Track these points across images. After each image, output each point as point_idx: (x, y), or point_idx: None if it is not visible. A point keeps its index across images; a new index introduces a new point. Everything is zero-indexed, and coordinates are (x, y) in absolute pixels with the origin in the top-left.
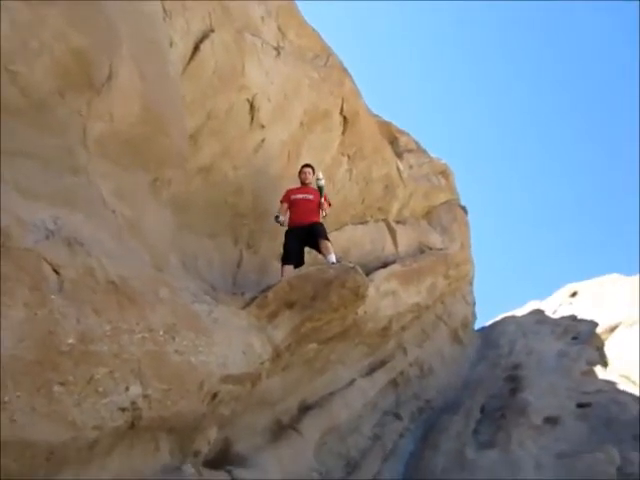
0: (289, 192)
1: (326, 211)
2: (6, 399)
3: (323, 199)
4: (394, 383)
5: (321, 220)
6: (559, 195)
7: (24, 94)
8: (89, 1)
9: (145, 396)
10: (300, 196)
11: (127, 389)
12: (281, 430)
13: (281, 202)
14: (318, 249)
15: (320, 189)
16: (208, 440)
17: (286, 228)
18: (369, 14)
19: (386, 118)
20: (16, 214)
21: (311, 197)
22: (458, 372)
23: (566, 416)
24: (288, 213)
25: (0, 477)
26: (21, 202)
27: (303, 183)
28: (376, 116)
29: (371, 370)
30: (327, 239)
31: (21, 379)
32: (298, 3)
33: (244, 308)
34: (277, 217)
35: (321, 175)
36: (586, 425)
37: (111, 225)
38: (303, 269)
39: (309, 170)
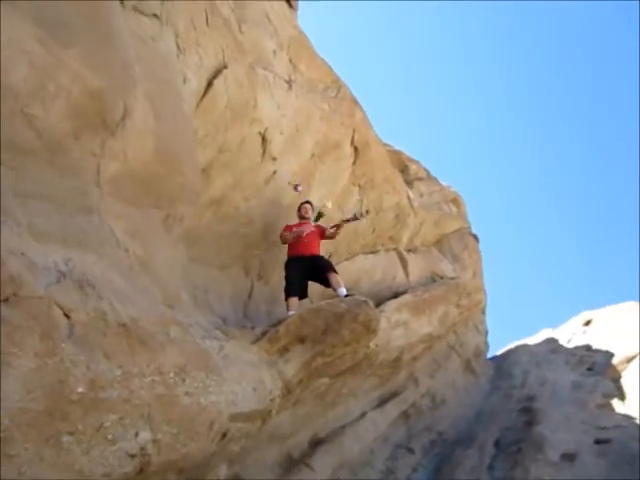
0: (288, 227)
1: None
2: (13, 452)
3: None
4: (405, 415)
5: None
6: (573, 222)
7: (39, 136)
8: (105, 43)
9: (155, 441)
10: (301, 229)
11: (136, 435)
12: (292, 465)
13: (281, 236)
14: (326, 283)
15: (319, 215)
16: (218, 478)
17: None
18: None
19: (396, 146)
20: (28, 258)
21: (314, 229)
22: (471, 403)
23: (584, 452)
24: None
25: None
26: (33, 244)
27: (302, 218)
28: (386, 145)
29: (382, 402)
30: (335, 272)
31: (29, 431)
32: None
33: (255, 343)
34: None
35: (330, 204)
36: (605, 462)
37: (123, 264)
38: (309, 303)
39: (309, 206)
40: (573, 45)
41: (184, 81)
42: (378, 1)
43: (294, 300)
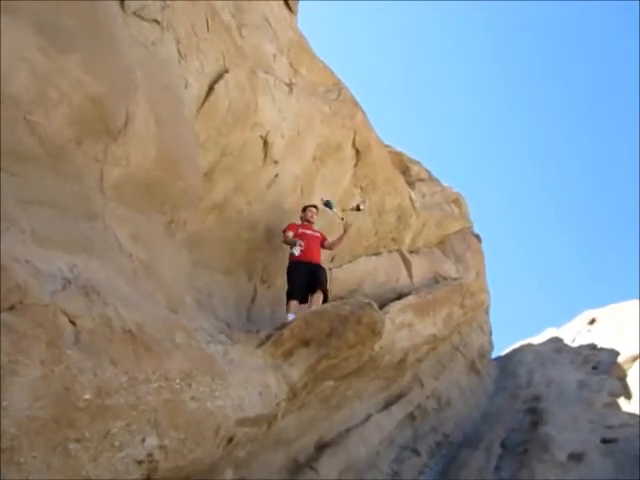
0: (294, 225)
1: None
2: (22, 460)
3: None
4: (411, 417)
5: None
6: (576, 220)
7: (42, 143)
8: (106, 49)
9: (161, 447)
10: (308, 232)
11: (143, 441)
12: (298, 469)
13: (284, 232)
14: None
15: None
16: None
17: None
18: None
19: (397, 147)
20: (33, 265)
21: (318, 235)
22: (476, 404)
23: (591, 452)
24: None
25: None
26: (38, 251)
27: (308, 221)
28: (387, 146)
29: (387, 404)
30: (324, 291)
31: (37, 439)
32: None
33: (259, 347)
34: (294, 244)
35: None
36: (612, 462)
37: (127, 270)
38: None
39: (315, 210)
40: (573, 45)
41: (185, 86)
42: (378, 1)
43: (294, 303)
